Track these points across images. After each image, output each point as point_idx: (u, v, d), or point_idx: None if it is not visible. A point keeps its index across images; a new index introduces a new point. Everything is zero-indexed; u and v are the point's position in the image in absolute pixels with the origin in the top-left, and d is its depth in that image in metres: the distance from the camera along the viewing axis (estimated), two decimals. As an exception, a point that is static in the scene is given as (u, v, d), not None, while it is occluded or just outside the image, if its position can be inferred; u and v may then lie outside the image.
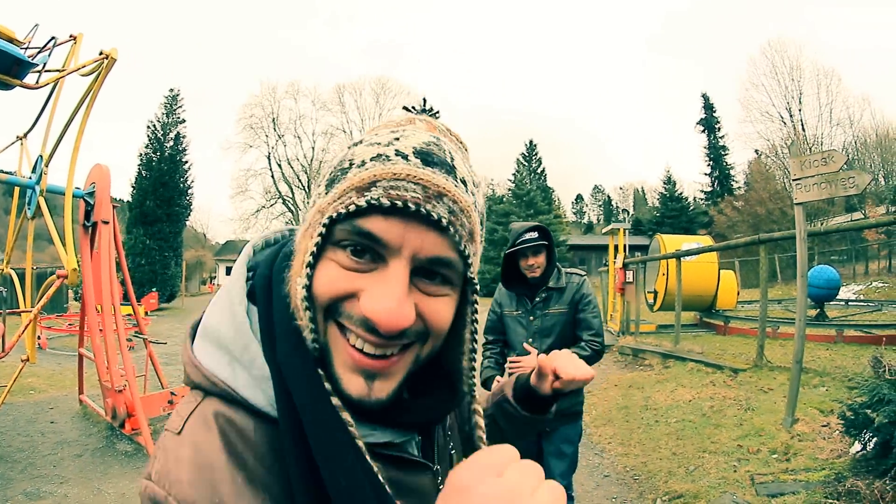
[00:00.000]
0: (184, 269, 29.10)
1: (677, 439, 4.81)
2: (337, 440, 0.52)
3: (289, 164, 43.23)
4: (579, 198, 72.40)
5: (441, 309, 0.59)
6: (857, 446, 3.28)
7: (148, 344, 6.12)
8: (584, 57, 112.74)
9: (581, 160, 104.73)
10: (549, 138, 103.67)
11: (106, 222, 5.10)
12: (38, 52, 4.58)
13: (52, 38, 4.64)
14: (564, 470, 2.70)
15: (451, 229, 0.56)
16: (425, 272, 0.57)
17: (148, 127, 29.04)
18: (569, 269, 2.75)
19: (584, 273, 2.78)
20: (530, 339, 2.61)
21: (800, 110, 35.93)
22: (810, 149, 34.21)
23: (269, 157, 43.02)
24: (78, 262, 4.75)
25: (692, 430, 4.95)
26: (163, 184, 27.21)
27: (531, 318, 2.66)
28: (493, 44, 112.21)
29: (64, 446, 4.98)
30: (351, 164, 0.59)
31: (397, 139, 0.60)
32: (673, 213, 40.66)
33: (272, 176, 42.99)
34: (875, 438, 2.92)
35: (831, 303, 11.37)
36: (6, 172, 5.14)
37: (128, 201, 28.36)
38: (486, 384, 2.66)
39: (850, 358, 6.72)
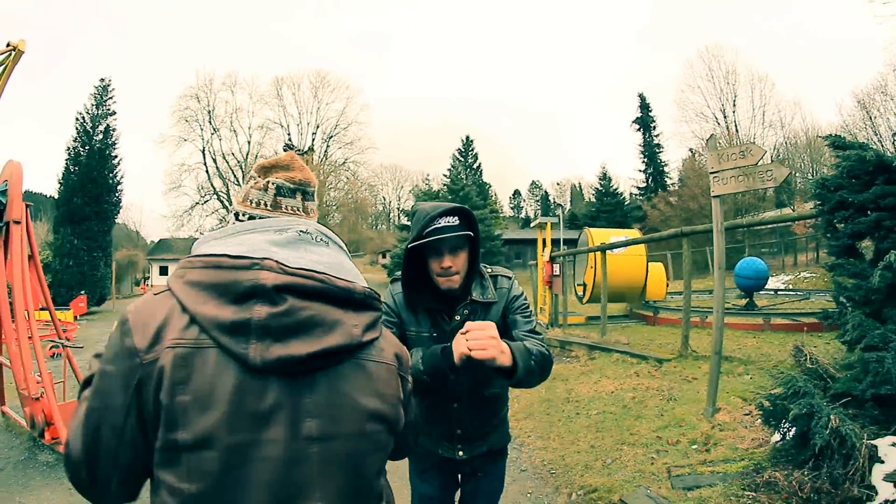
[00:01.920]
0: (114, 269, 27.84)
1: (597, 431, 4.66)
2: None
3: (224, 158, 41.95)
4: (517, 193, 73.40)
5: None
6: (777, 436, 3.16)
7: (65, 349, 5.90)
8: (524, 53, 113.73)
9: (519, 156, 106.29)
10: (487, 134, 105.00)
11: (17, 222, 4.86)
12: None
13: None
14: None
15: None
16: None
17: (76, 119, 27.46)
18: (494, 271, 1.91)
19: (510, 274, 1.95)
20: (452, 377, 1.62)
21: (734, 112, 38.02)
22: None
23: (203, 152, 41.56)
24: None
25: (612, 421, 4.82)
26: (91, 179, 25.91)
27: (448, 345, 1.61)
28: (429, 34, 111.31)
29: None
30: None
31: None
32: (608, 208, 41.77)
33: (207, 171, 41.63)
34: (794, 429, 2.79)
35: (761, 293, 11.72)
36: None
37: (54, 198, 26.98)
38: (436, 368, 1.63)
39: (777, 345, 6.83)
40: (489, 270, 1.88)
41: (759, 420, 3.40)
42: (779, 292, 14.47)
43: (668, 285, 13.75)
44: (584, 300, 12.76)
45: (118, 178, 27.50)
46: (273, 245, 0.98)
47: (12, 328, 4.94)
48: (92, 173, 25.96)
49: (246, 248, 0.96)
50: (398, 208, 64.73)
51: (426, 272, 1.77)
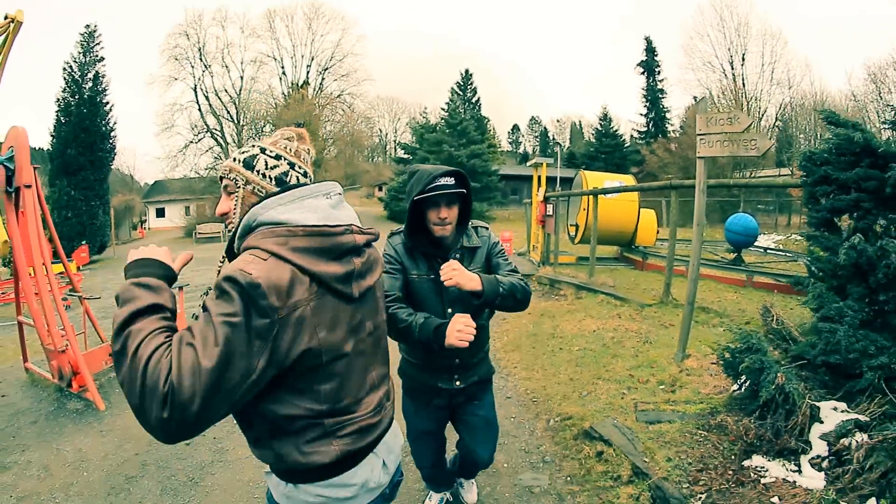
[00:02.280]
0: (112, 216, 27.48)
1: (576, 366, 5.04)
2: None
3: (216, 95, 40.31)
4: (515, 128, 71.70)
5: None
6: (735, 386, 3.52)
7: (83, 301, 6.11)
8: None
9: (518, 91, 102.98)
10: (486, 67, 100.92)
11: (28, 186, 4.93)
12: None
13: None
14: (493, 441, 2.57)
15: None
16: None
17: (64, 69, 26.27)
18: (473, 223, 2.33)
19: (486, 224, 2.38)
20: (449, 309, 2.16)
21: (742, 65, 36.69)
22: (748, 104, 35.27)
23: (195, 90, 39.89)
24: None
25: (591, 358, 5.19)
26: (83, 129, 25.11)
27: (445, 284, 1.99)
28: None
29: (19, 416, 4.96)
30: None
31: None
32: (607, 150, 41.28)
33: (199, 109, 40.08)
34: (747, 381, 3.14)
35: (751, 249, 11.81)
36: None
37: (48, 150, 26.15)
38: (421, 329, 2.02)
39: (756, 302, 6.93)
40: (476, 224, 2.36)
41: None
42: (768, 251, 14.62)
43: (658, 232, 13.95)
44: (576, 241, 13.02)
45: (111, 125, 26.84)
46: (332, 208, 1.34)
47: (31, 287, 5.11)
48: (84, 122, 25.24)
49: (321, 214, 1.29)
50: (395, 141, 63.26)
51: (424, 224, 2.16)
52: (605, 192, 10.29)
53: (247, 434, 1.32)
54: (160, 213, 40.13)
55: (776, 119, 36.32)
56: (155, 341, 1.08)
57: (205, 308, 1.13)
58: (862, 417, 2.70)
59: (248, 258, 1.17)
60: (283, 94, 39.98)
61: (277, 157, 1.38)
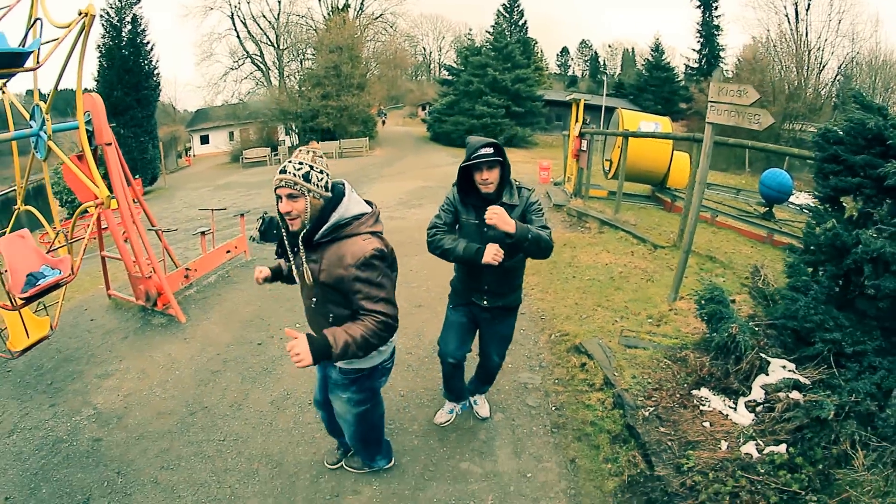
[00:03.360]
0: (161, 149, 27.82)
1: (583, 293, 5.62)
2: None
3: (254, 21, 38.58)
4: (565, 51, 66.28)
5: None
6: (707, 329, 4.02)
7: (160, 233, 6.76)
8: None
9: (570, 11, 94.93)
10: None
11: (109, 144, 5.36)
12: (24, 37, 4.56)
13: (37, 18, 4.51)
14: (503, 350, 3.30)
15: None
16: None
17: (101, 16, 25.60)
18: (521, 183, 2.84)
19: (532, 188, 2.87)
20: (477, 264, 2.73)
21: (807, 11, 33.32)
22: (809, 52, 32.53)
23: (232, 17, 38.29)
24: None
25: (597, 288, 5.75)
26: (127, 70, 24.96)
27: (485, 229, 2.67)
28: None
29: (110, 334, 5.62)
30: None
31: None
32: (656, 83, 39.33)
33: (238, 36, 38.66)
34: (710, 326, 3.63)
35: (786, 206, 11.37)
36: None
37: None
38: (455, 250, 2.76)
39: (768, 258, 6.67)
40: (517, 183, 2.84)
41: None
42: (804, 209, 14.14)
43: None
44: (609, 176, 13.04)
45: (154, 64, 26.66)
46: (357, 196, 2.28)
47: (116, 226, 5.63)
48: (127, 64, 25.03)
49: (362, 203, 2.26)
50: (439, 60, 59.88)
51: (473, 182, 2.74)
52: (635, 135, 10.22)
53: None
54: (204, 140, 39.66)
55: (837, 73, 33.59)
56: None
57: (360, 279, 2.10)
58: (803, 379, 3.09)
59: (369, 240, 2.16)
60: (324, 16, 38.02)
61: (321, 172, 2.11)
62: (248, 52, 39.40)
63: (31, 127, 4.89)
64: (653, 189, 12.98)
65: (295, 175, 2.05)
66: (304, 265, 2.20)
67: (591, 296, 5.53)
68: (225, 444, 3.57)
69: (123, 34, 26.08)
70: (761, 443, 2.81)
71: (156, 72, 27.37)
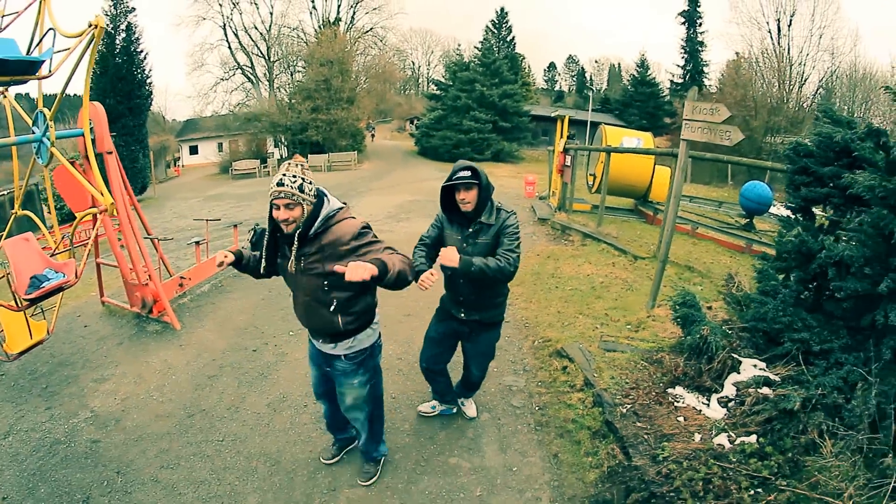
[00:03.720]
0: (151, 158, 27.76)
1: (565, 302, 5.84)
2: (273, 239, 2.66)
3: (246, 32, 39.16)
4: (552, 66, 67.17)
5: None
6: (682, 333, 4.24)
7: (155, 241, 6.83)
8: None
9: (557, 27, 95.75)
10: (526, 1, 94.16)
11: (110, 152, 5.54)
12: (36, 45, 4.75)
13: (50, 28, 4.65)
14: (483, 366, 3.52)
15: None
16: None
17: None
18: (502, 206, 3.08)
19: (512, 210, 3.10)
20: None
21: (789, 27, 34.29)
22: (791, 66, 33.42)
23: (224, 28, 38.82)
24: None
25: (579, 297, 5.97)
26: (120, 79, 24.96)
27: (464, 244, 3.01)
28: None
29: (105, 340, 5.68)
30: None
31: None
32: (641, 98, 40.12)
33: (229, 46, 39.13)
34: (683, 329, 3.85)
35: (767, 217, 11.63)
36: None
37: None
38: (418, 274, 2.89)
39: (746, 268, 6.80)
40: (499, 205, 3.07)
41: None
42: (782, 220, 14.33)
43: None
44: (593, 190, 13.39)
45: (147, 73, 26.72)
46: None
47: (113, 232, 5.75)
48: (121, 72, 25.00)
49: (339, 202, 2.60)
50: (427, 74, 60.72)
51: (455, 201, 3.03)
52: (617, 150, 10.58)
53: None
54: (193, 150, 39.60)
55: (818, 87, 34.52)
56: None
57: (363, 245, 2.47)
58: (773, 376, 3.28)
59: (354, 220, 2.54)
60: (315, 29, 38.43)
61: (310, 182, 2.42)
62: (238, 63, 39.62)
63: (34, 132, 5.00)
64: (636, 203, 13.30)
65: (291, 187, 2.34)
66: (302, 260, 2.53)
67: (573, 304, 5.73)
68: (224, 444, 3.70)
69: (117, 42, 26.05)
70: (733, 434, 3.00)
71: (148, 81, 27.35)
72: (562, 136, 11.68)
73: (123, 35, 26.29)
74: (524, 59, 46.45)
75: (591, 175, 13.74)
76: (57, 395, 4.57)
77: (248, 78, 39.67)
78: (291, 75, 38.31)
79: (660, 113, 38.93)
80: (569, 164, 11.01)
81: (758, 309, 3.69)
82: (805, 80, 33.82)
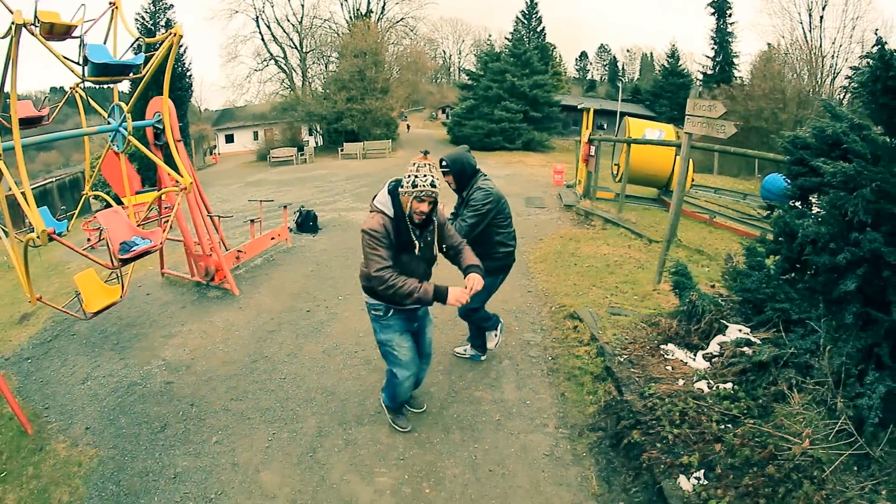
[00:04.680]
0: (192, 146, 29.07)
1: (581, 276, 6.41)
2: (405, 227, 2.57)
3: (279, 24, 39.16)
4: (583, 55, 65.98)
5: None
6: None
7: (216, 220, 7.50)
8: None
9: (589, 16, 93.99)
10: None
11: (180, 140, 6.21)
12: (129, 49, 5.54)
13: (139, 36, 5.42)
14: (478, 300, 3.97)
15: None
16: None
17: (136, 20, 27.60)
18: (480, 187, 3.76)
19: (487, 189, 3.76)
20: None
21: (821, 18, 33.22)
22: (823, 58, 32.51)
23: (257, 20, 38.88)
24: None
25: (594, 272, 6.54)
26: (161, 72, 25.78)
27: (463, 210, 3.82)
28: None
29: (169, 305, 6.36)
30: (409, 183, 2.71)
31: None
32: (671, 88, 39.56)
33: (262, 38, 39.23)
34: (679, 296, 4.39)
35: None
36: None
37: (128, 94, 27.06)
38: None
39: None
40: (483, 187, 3.75)
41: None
42: None
43: (693, 179, 14.48)
44: (616, 179, 13.75)
45: (187, 66, 27.96)
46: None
47: (180, 212, 6.28)
48: (162, 66, 26.00)
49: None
50: (458, 63, 60.80)
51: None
52: (637, 141, 11.02)
53: None
54: (229, 139, 40.18)
55: (850, 80, 33.18)
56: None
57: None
58: (754, 339, 3.73)
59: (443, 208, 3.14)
60: (346, 20, 38.38)
61: (437, 178, 2.84)
62: (272, 55, 39.99)
63: (110, 123, 5.81)
64: (658, 192, 13.66)
65: (433, 186, 2.69)
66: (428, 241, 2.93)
67: (588, 278, 6.31)
68: (285, 381, 4.41)
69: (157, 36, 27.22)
70: (712, 381, 3.52)
71: (189, 73, 28.82)
72: (587, 128, 12.09)
73: (163, 30, 27.32)
74: (554, 48, 46.12)
75: (615, 165, 14.09)
76: (129, 348, 5.26)
77: (282, 69, 40.09)
78: (325, 66, 38.67)
79: (689, 104, 38.30)
80: (593, 154, 11.43)
81: (743, 280, 4.18)
82: (837, 73, 32.77)
